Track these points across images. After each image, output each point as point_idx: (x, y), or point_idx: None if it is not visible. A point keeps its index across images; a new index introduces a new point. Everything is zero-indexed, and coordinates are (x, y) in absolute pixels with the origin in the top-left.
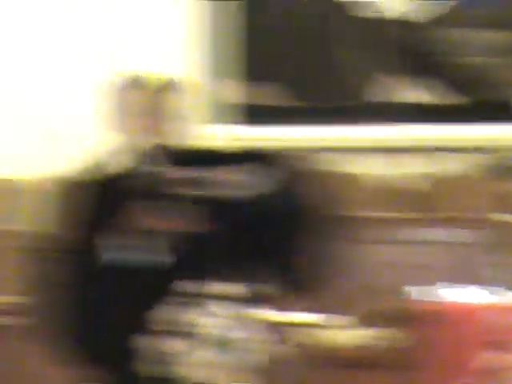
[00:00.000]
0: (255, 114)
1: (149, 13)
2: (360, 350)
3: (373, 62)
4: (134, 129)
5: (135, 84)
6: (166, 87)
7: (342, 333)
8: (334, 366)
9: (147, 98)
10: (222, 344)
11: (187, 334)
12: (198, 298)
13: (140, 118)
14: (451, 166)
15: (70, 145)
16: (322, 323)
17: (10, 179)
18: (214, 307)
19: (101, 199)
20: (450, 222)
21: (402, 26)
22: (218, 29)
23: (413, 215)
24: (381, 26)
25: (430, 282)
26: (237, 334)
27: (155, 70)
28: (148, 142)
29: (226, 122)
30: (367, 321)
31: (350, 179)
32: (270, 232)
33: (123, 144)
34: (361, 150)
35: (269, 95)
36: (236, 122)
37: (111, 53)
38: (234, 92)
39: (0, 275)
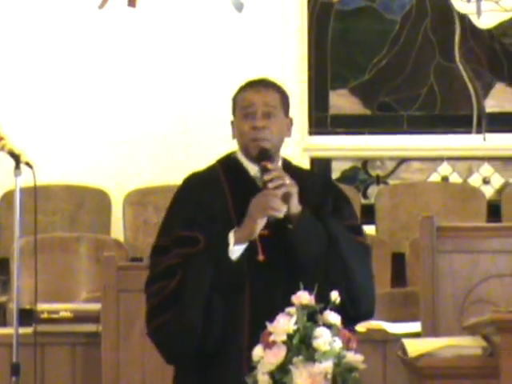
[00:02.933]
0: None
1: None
2: (463, 359)
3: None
4: (250, 130)
5: (258, 84)
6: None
7: (443, 342)
8: (435, 377)
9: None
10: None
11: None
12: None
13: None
14: None
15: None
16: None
17: (104, 191)
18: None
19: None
20: None
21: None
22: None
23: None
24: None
25: None
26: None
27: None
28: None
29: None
30: (472, 330)
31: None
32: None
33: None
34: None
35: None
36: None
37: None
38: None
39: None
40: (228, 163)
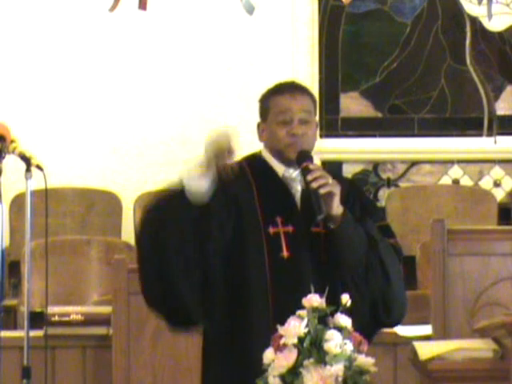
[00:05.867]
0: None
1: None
2: (474, 362)
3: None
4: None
5: (292, 89)
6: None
7: (454, 345)
8: (446, 380)
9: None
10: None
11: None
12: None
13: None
14: None
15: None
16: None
17: (113, 192)
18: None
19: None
20: None
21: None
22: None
23: None
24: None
25: None
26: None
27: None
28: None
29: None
30: (483, 333)
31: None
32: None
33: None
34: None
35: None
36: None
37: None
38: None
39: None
40: (254, 162)
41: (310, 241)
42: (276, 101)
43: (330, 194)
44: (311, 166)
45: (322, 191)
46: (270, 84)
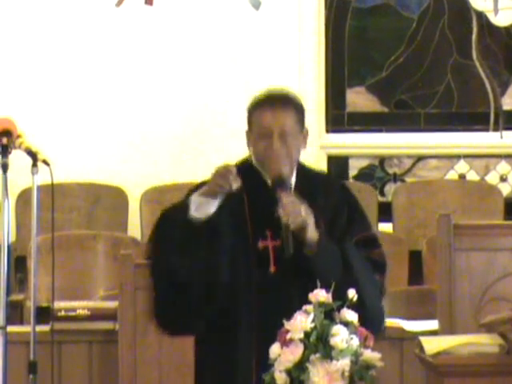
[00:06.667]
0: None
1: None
2: (480, 357)
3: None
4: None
5: (274, 102)
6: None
7: (460, 340)
8: (452, 374)
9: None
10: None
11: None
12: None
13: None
14: None
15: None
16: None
17: (121, 188)
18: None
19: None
20: None
21: None
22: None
23: None
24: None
25: None
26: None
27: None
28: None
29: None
30: (489, 328)
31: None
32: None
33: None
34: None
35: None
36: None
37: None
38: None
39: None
40: (245, 169)
41: (297, 254)
42: (257, 114)
43: (302, 225)
44: (284, 199)
45: (292, 226)
46: (274, 80)
